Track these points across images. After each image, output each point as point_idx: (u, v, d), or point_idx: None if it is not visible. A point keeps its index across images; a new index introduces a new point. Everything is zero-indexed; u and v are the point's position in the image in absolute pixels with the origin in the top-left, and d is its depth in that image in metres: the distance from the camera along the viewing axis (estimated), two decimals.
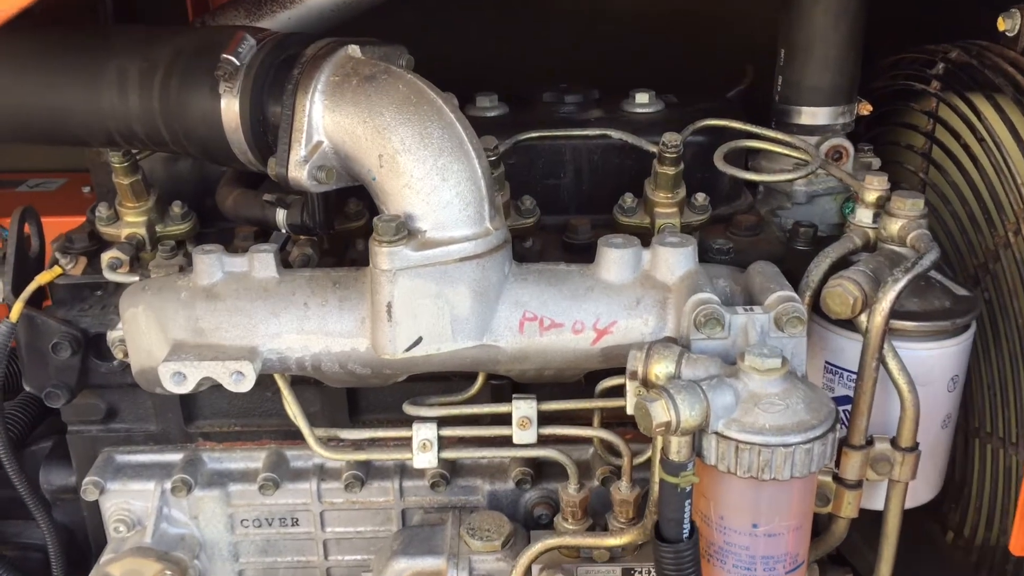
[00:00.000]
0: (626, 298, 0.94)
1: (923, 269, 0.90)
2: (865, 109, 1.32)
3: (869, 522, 1.04)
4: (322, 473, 1.27)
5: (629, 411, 0.97)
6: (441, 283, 0.89)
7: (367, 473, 1.26)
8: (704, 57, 1.45)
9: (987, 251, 1.16)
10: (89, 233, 1.24)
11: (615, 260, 0.94)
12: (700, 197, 1.17)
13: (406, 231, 0.87)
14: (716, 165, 1.11)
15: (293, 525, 1.29)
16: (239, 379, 0.92)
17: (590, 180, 1.26)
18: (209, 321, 0.94)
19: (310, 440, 1.06)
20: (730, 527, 0.85)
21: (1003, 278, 1.13)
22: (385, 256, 0.87)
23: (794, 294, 0.89)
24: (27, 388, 1.21)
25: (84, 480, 1.23)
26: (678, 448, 0.81)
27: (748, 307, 0.89)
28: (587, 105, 1.30)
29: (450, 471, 1.25)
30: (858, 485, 0.96)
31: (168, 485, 1.24)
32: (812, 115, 1.29)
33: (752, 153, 1.31)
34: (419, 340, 0.90)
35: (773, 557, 0.86)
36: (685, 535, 0.84)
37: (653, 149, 1.14)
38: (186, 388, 0.92)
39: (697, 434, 0.82)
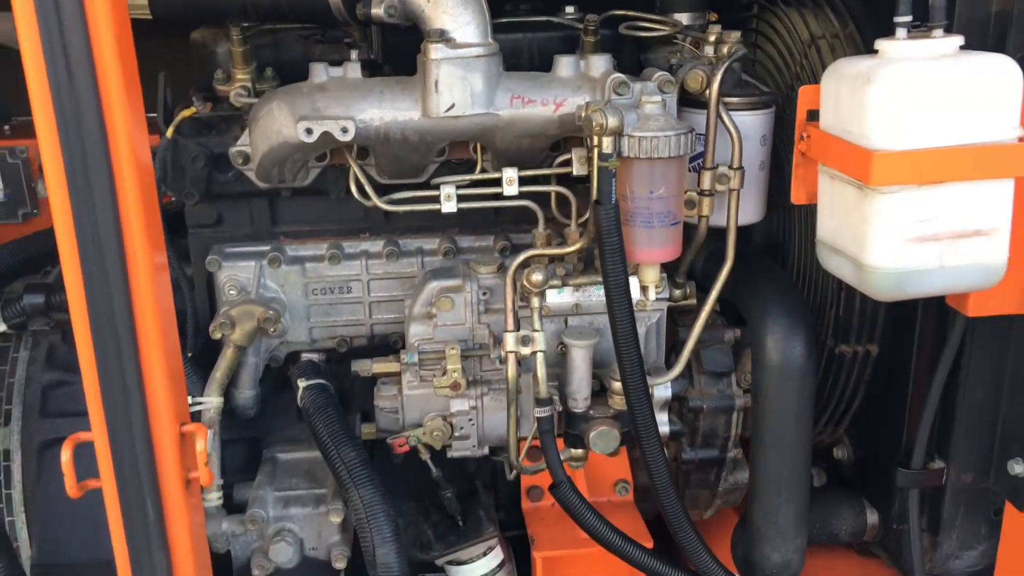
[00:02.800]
0: (572, 85, 1.55)
1: (737, 57, 1.54)
2: (712, 16, 1.98)
3: (717, 252, 1.66)
4: (367, 255, 1.83)
5: (575, 172, 1.59)
6: (465, 70, 1.48)
7: (399, 252, 1.83)
8: None
9: (786, 86, 1.81)
10: (203, 95, 1.79)
11: (564, 64, 1.56)
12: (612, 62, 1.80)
13: (446, 38, 1.47)
14: (620, 32, 1.75)
15: (348, 292, 1.83)
16: (344, 132, 1.48)
17: (539, 60, 1.86)
18: (322, 103, 1.51)
19: (373, 197, 1.62)
20: (636, 195, 1.46)
21: (793, 100, 1.79)
22: (434, 50, 1.46)
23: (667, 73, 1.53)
24: (168, 193, 1.75)
25: (207, 259, 1.76)
26: (607, 144, 1.42)
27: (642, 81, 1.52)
28: (534, 12, 1.91)
29: (455, 250, 1.83)
30: (711, 194, 1.58)
31: (265, 261, 1.78)
32: (680, 18, 1.94)
33: (643, 51, 1.95)
34: (453, 105, 1.49)
35: (662, 213, 1.46)
36: (612, 204, 1.44)
37: (580, 27, 1.76)
38: (312, 138, 1.48)
39: (616, 138, 1.43)
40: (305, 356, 1.85)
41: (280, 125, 1.54)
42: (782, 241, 1.92)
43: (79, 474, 1.27)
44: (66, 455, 1.26)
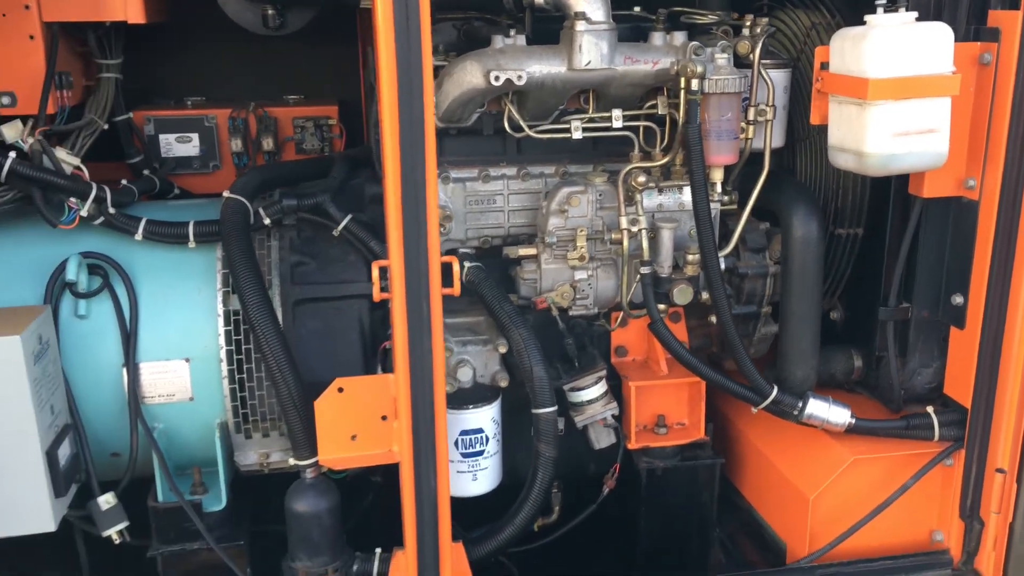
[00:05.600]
0: (663, 51, 2.28)
1: (769, 33, 2.29)
2: (735, 14, 2.74)
3: (748, 175, 2.40)
4: (506, 177, 2.53)
5: (660, 112, 2.32)
6: (598, 38, 2.20)
7: (529, 175, 2.53)
8: None
9: (791, 59, 2.57)
10: None
11: (657, 36, 2.29)
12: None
13: (585, 16, 2.19)
14: (681, 20, 2.49)
15: (493, 203, 2.52)
16: (519, 79, 2.19)
17: None
18: (503, 60, 2.21)
19: (526, 128, 2.33)
20: (711, 119, 2.19)
21: (799, 68, 2.55)
22: (579, 24, 2.18)
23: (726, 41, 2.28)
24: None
25: None
26: (695, 84, 2.15)
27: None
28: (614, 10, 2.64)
29: (568, 174, 2.54)
30: (753, 123, 2.32)
31: (439, 180, 2.46)
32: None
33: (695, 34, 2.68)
34: (590, 61, 2.21)
35: (728, 131, 2.20)
36: (696, 123, 2.17)
37: (652, 18, 2.49)
38: (498, 83, 2.18)
39: (699, 80, 2.16)
40: (461, 250, 2.54)
41: (471, 76, 2.24)
42: (790, 167, 2.68)
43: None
44: (376, 271, 1.94)
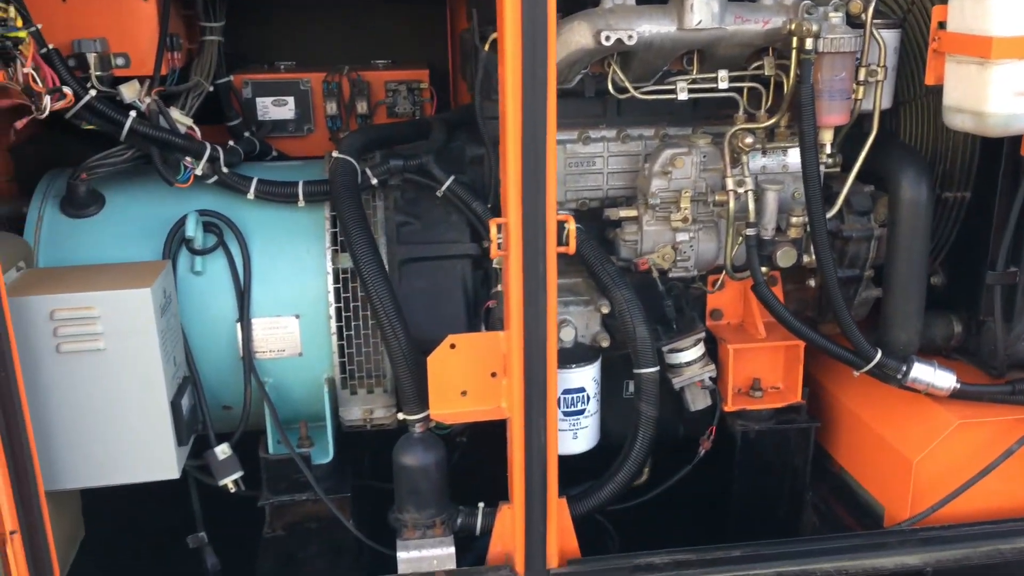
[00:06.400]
0: (773, 9, 2.26)
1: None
2: None
3: (851, 138, 2.38)
4: (606, 139, 2.54)
5: (767, 73, 2.31)
6: None
7: (629, 137, 2.53)
8: None
9: (900, 16, 2.54)
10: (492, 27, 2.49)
11: None
12: None
13: None
14: None
15: (592, 165, 2.54)
16: (630, 39, 2.19)
17: None
18: (612, 20, 2.21)
19: (631, 89, 2.33)
20: (824, 79, 2.17)
21: (914, 25, 2.50)
22: None
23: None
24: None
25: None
26: (809, 43, 2.13)
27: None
28: None
29: (667, 136, 2.54)
30: (864, 83, 2.29)
31: None
32: None
33: None
34: (701, 21, 2.20)
35: (841, 91, 2.18)
36: (809, 83, 2.16)
37: None
38: (609, 43, 2.18)
39: (813, 39, 2.14)
40: (559, 212, 2.55)
41: (579, 36, 2.24)
42: (893, 131, 2.65)
43: None
44: (494, 228, 1.97)
